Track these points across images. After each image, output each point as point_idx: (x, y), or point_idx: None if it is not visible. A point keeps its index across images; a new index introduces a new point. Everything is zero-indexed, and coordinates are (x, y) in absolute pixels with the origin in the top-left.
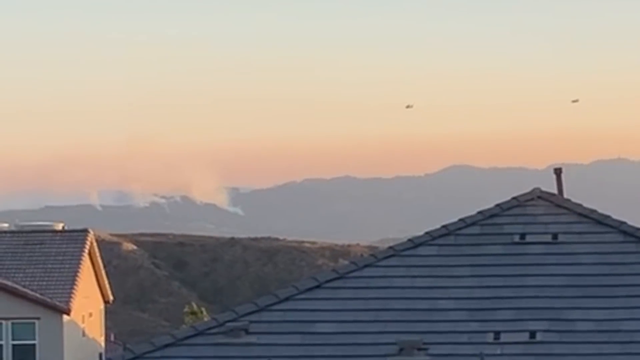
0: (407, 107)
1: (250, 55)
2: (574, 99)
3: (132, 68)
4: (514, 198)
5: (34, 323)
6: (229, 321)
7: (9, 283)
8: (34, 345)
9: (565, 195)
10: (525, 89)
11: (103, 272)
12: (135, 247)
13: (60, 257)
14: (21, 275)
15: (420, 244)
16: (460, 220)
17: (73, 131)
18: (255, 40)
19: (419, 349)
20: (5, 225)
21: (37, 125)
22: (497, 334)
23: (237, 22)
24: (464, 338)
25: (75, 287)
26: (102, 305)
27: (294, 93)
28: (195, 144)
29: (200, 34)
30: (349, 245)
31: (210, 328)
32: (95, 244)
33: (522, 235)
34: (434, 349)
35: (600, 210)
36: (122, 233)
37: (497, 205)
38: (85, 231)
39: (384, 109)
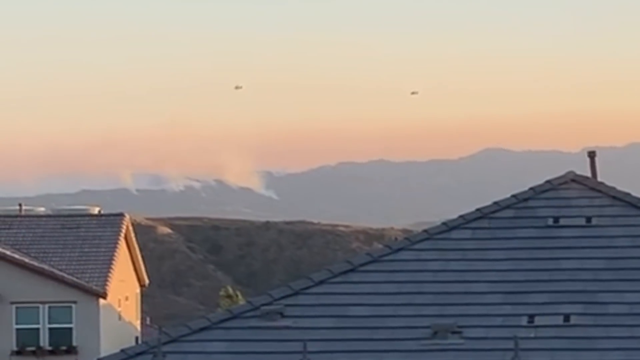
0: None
1: (285, 40)
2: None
3: (167, 52)
4: (547, 181)
5: (70, 307)
6: (264, 305)
7: (46, 267)
8: (70, 328)
9: (599, 179)
10: (559, 72)
11: (139, 255)
12: (170, 231)
13: (97, 241)
14: (58, 259)
15: (455, 228)
16: (495, 203)
17: (109, 115)
18: (291, 24)
19: (453, 332)
20: (42, 209)
21: (74, 110)
22: (531, 317)
23: (273, 7)
24: (498, 321)
25: (111, 270)
26: (137, 289)
27: (329, 77)
28: (230, 128)
29: (237, 18)
30: (383, 229)
31: (245, 311)
32: (130, 227)
33: (556, 219)
34: (468, 332)
35: (634, 194)
36: (157, 217)
37: (531, 188)
38: (121, 215)
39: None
